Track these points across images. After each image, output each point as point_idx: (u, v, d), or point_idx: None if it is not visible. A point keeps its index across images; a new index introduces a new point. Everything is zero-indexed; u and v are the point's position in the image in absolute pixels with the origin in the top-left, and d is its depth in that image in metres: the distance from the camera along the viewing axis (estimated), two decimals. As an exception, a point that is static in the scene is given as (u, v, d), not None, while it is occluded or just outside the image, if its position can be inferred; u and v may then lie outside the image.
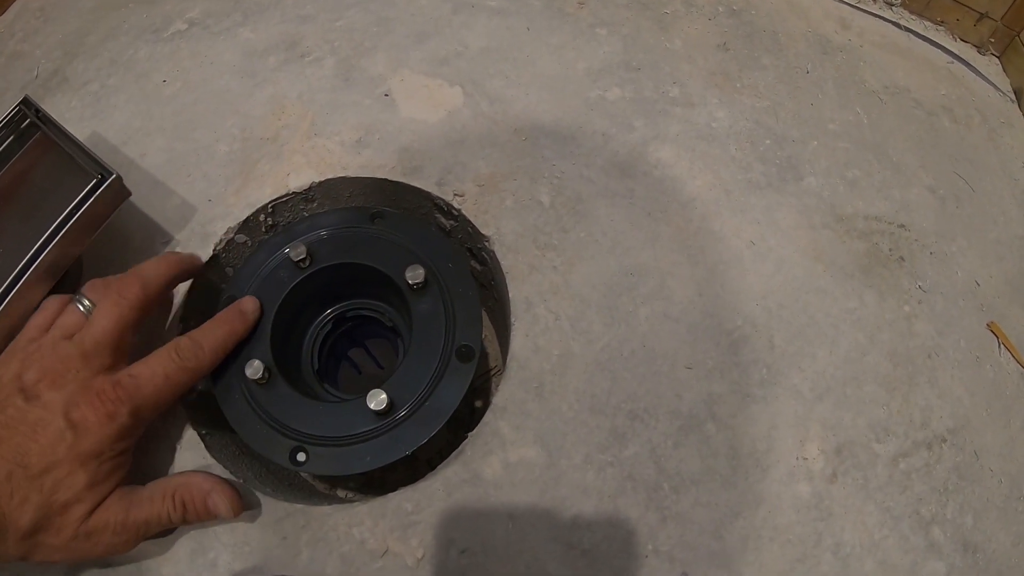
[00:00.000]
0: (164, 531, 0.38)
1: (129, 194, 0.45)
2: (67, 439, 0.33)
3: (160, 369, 0.37)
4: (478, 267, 0.53)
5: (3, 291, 0.41)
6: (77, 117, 0.56)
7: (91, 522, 0.34)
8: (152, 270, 0.40)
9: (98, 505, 0.34)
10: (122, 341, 0.37)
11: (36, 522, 0.32)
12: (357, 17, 0.62)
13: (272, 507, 0.40)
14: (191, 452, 0.42)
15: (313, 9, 0.63)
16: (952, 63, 0.68)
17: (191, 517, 0.37)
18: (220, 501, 0.38)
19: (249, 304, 0.43)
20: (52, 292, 0.42)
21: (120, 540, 0.35)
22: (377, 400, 0.39)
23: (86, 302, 0.38)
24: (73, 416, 0.33)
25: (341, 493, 0.52)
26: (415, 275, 0.43)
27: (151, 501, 0.36)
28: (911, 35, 0.69)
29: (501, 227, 0.49)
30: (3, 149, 0.47)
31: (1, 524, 0.32)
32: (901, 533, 0.42)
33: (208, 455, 0.42)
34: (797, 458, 0.43)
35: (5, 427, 0.33)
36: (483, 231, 0.49)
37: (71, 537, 0.33)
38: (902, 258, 0.52)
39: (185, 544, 0.39)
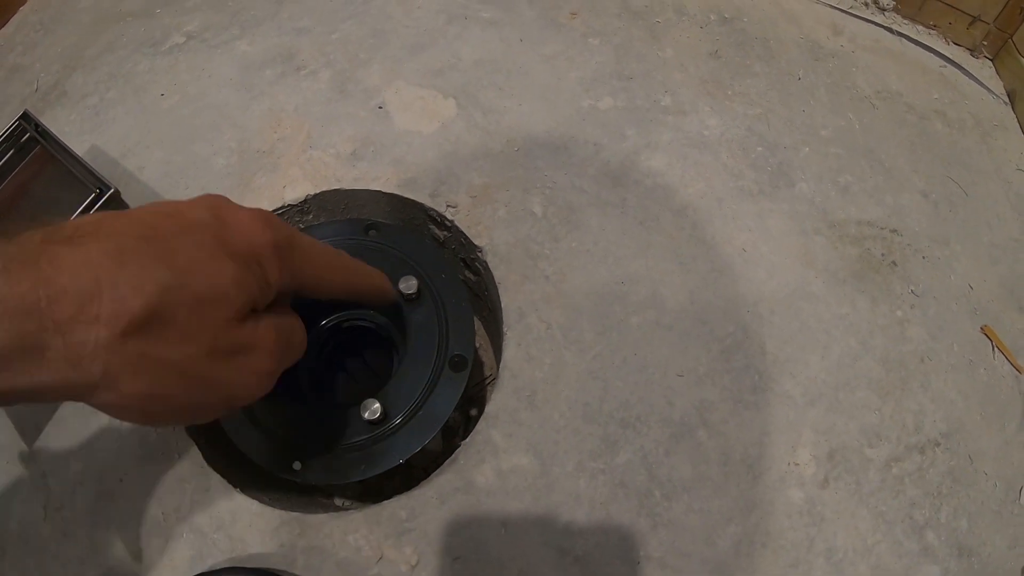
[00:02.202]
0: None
1: (127, 208, 0.46)
2: (212, 227, 0.25)
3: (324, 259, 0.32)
4: (471, 277, 0.54)
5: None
6: (76, 130, 0.57)
7: (244, 329, 0.24)
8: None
9: (249, 314, 0.25)
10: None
11: (154, 307, 0.21)
12: (352, 29, 0.62)
13: (269, 515, 0.41)
14: (188, 461, 0.43)
15: (309, 22, 0.63)
16: (945, 67, 0.68)
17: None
18: None
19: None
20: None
21: (268, 366, 0.27)
22: (370, 410, 0.40)
23: None
24: (224, 215, 0.27)
25: (339, 501, 0.53)
26: (408, 285, 0.43)
27: None
28: (903, 39, 0.69)
29: (494, 237, 0.50)
30: (3, 163, 0.48)
31: (92, 303, 0.20)
32: (895, 538, 0.42)
33: (205, 464, 0.43)
34: (789, 464, 0.43)
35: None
36: (476, 242, 0.50)
37: (208, 348, 0.23)
38: (895, 263, 0.52)
39: (183, 552, 0.40)
